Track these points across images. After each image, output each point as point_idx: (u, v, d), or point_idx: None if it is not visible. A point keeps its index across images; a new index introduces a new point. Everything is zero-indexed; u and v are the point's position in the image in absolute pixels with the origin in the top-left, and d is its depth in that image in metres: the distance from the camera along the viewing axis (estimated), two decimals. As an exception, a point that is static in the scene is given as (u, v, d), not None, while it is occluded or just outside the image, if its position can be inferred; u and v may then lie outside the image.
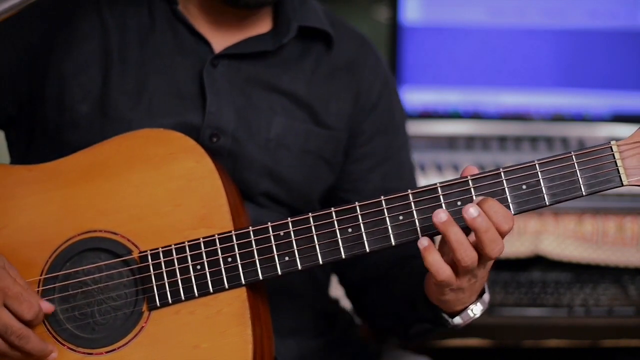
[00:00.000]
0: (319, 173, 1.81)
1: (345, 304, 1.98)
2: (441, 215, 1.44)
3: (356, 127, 1.84)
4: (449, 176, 2.61)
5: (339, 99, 1.82)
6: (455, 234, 1.43)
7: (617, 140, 1.50)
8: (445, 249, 1.47)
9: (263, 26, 1.80)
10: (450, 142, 2.79)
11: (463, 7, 2.81)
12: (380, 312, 1.82)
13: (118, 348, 1.54)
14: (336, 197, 1.85)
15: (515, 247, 2.57)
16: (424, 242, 1.45)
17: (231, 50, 1.75)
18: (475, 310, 1.58)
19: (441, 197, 1.49)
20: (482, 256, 1.45)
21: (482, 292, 1.59)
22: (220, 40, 1.76)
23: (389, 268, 1.77)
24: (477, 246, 1.44)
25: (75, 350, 1.55)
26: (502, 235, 1.45)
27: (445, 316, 1.59)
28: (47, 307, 1.53)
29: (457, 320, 1.59)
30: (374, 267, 1.80)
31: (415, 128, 2.80)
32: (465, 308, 1.58)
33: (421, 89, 2.83)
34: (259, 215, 1.73)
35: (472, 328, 2.53)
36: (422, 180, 2.59)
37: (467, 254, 1.44)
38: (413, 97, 2.83)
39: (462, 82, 2.83)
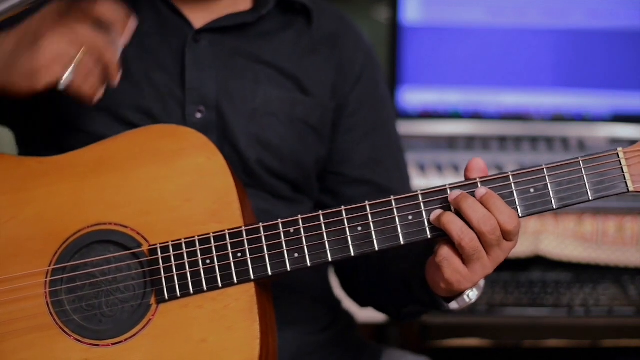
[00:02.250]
0: (308, 141, 1.82)
1: (347, 305, 1.98)
2: (436, 211, 1.49)
3: (343, 99, 1.86)
4: (449, 176, 2.62)
5: (321, 70, 1.84)
6: (447, 216, 1.48)
7: (619, 142, 1.53)
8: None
9: (242, 5, 1.83)
10: (450, 142, 2.80)
11: (463, 7, 2.82)
12: (373, 291, 1.81)
13: (125, 340, 1.53)
14: (328, 172, 1.87)
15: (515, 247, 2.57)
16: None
17: (212, 24, 1.77)
18: (472, 295, 1.58)
19: (450, 198, 1.51)
20: (484, 243, 1.47)
21: None
22: (201, 19, 1.79)
23: None
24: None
25: (81, 342, 1.54)
26: (509, 234, 1.47)
27: (441, 300, 1.59)
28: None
29: (454, 305, 1.59)
30: None
31: (415, 128, 2.82)
32: (462, 293, 1.58)
33: (421, 89, 2.84)
34: (265, 205, 1.75)
35: (472, 328, 2.56)
36: (422, 181, 2.59)
37: (462, 232, 1.46)
38: (413, 97, 2.83)
39: (462, 82, 2.83)
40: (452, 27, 2.83)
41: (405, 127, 2.74)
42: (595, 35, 2.80)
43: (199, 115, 1.73)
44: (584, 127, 2.80)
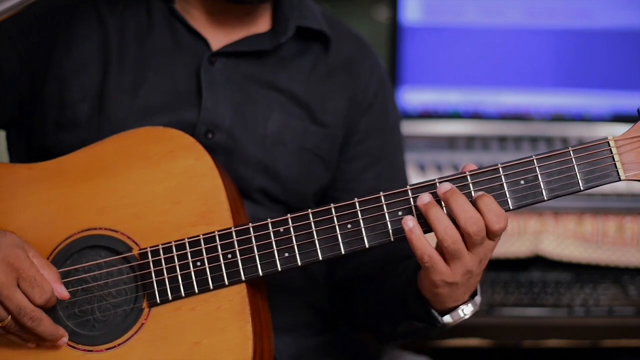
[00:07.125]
0: (315, 171, 1.81)
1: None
2: (424, 198, 1.46)
3: (351, 126, 1.85)
4: (449, 176, 2.61)
5: (335, 99, 1.83)
6: (435, 212, 1.45)
7: (614, 136, 1.50)
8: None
9: (261, 25, 1.81)
10: (450, 142, 2.79)
11: (463, 7, 2.81)
12: (368, 309, 1.80)
13: (118, 345, 1.54)
14: (329, 197, 1.85)
15: (515, 247, 2.57)
16: (409, 223, 1.46)
17: (229, 48, 1.76)
18: (466, 310, 1.57)
19: (439, 192, 1.49)
20: (468, 242, 1.46)
21: (475, 294, 1.59)
22: (218, 39, 1.77)
23: (382, 266, 1.77)
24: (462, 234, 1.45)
25: (75, 348, 1.55)
26: (493, 234, 1.45)
27: (435, 313, 1.57)
28: (61, 294, 1.52)
29: (447, 318, 1.57)
30: (365, 266, 1.80)
31: (415, 128, 2.81)
32: (457, 307, 1.57)
33: (421, 89, 2.83)
34: (255, 211, 1.74)
35: (472, 328, 2.55)
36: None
37: (447, 232, 1.44)
38: (413, 97, 2.83)
39: (462, 82, 2.83)
40: (452, 27, 2.82)
41: (405, 127, 2.72)
42: (595, 35, 2.79)
43: (209, 136, 1.72)
44: (584, 127, 2.80)
